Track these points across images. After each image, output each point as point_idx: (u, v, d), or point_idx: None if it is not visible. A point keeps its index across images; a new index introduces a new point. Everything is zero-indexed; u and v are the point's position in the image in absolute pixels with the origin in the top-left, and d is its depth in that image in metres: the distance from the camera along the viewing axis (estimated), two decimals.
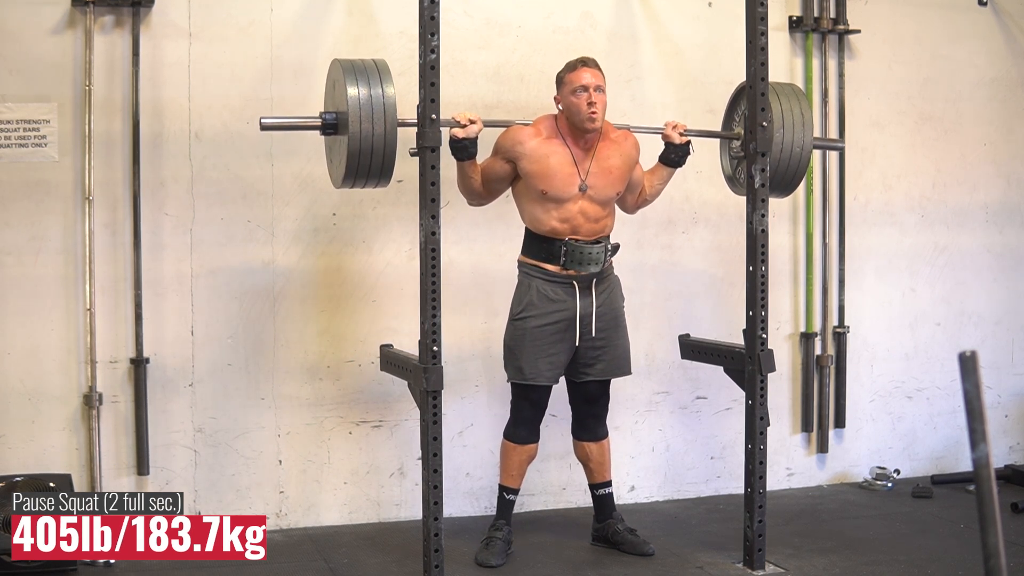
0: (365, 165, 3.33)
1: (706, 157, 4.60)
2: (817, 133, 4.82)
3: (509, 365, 3.84)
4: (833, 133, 4.87)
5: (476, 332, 4.34)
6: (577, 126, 3.72)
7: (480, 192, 3.80)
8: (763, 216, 3.71)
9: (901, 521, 4.39)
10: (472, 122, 3.60)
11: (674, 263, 4.69)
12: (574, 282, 3.78)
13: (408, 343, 3.75)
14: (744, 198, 3.85)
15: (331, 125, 3.42)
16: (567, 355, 3.81)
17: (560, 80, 3.78)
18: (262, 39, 4.15)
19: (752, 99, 3.70)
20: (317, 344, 4.27)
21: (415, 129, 3.34)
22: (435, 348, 3.33)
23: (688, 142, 3.91)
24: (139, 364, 4.02)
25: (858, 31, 4.86)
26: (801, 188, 4.83)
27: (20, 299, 3.95)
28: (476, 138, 3.63)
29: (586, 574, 3.75)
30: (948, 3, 5.05)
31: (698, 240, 4.70)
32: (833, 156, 4.87)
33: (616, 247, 3.88)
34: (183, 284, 4.11)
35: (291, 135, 4.16)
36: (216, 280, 4.14)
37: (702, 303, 4.73)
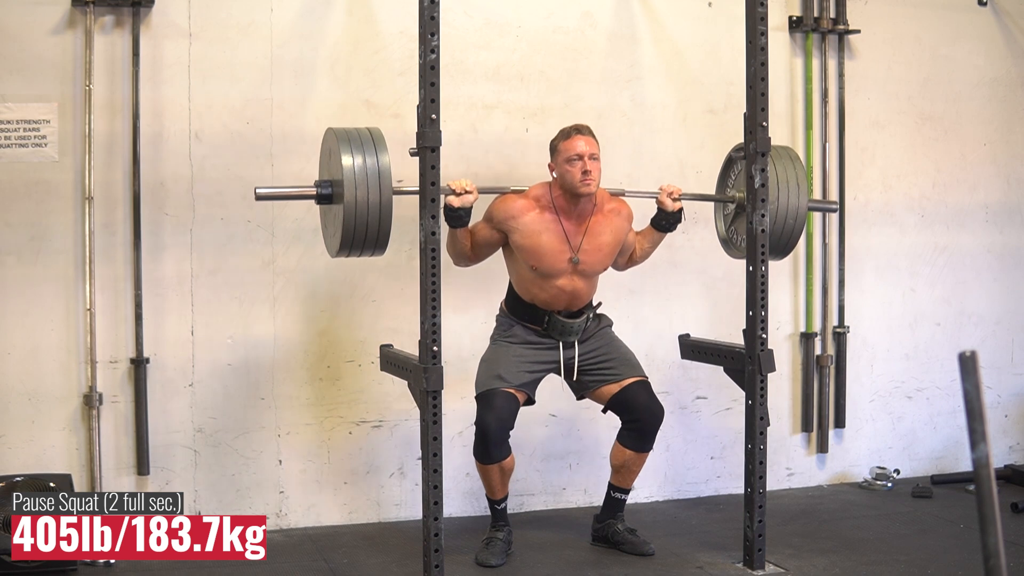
0: (361, 234, 3.31)
1: (707, 158, 4.61)
2: (816, 134, 4.84)
3: (485, 376, 3.81)
4: (833, 133, 4.87)
5: (476, 332, 4.33)
6: (571, 192, 3.72)
7: (469, 256, 3.81)
8: (763, 216, 3.71)
9: (901, 521, 4.39)
10: (467, 191, 3.57)
11: (674, 263, 4.68)
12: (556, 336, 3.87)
13: (408, 343, 3.75)
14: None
15: (326, 196, 3.42)
16: (542, 376, 3.87)
17: (554, 148, 3.78)
18: (262, 39, 4.15)
19: (752, 99, 3.70)
20: (317, 344, 4.27)
21: (413, 197, 3.35)
22: (435, 348, 3.33)
23: (680, 209, 3.91)
24: (139, 364, 4.03)
25: (858, 31, 4.86)
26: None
27: (20, 299, 3.95)
28: (471, 207, 3.61)
29: (586, 574, 3.75)
30: (948, 3, 5.05)
31: (698, 240, 4.70)
32: (833, 155, 4.87)
33: (598, 306, 3.93)
34: (183, 284, 4.11)
35: (290, 134, 4.18)
36: (216, 280, 4.14)
37: (702, 303, 4.73)
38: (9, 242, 3.95)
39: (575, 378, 3.89)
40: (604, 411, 3.95)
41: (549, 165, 3.80)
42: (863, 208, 4.97)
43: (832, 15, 4.83)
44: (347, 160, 3.29)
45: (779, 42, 4.74)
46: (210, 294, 4.14)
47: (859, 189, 4.96)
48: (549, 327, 3.82)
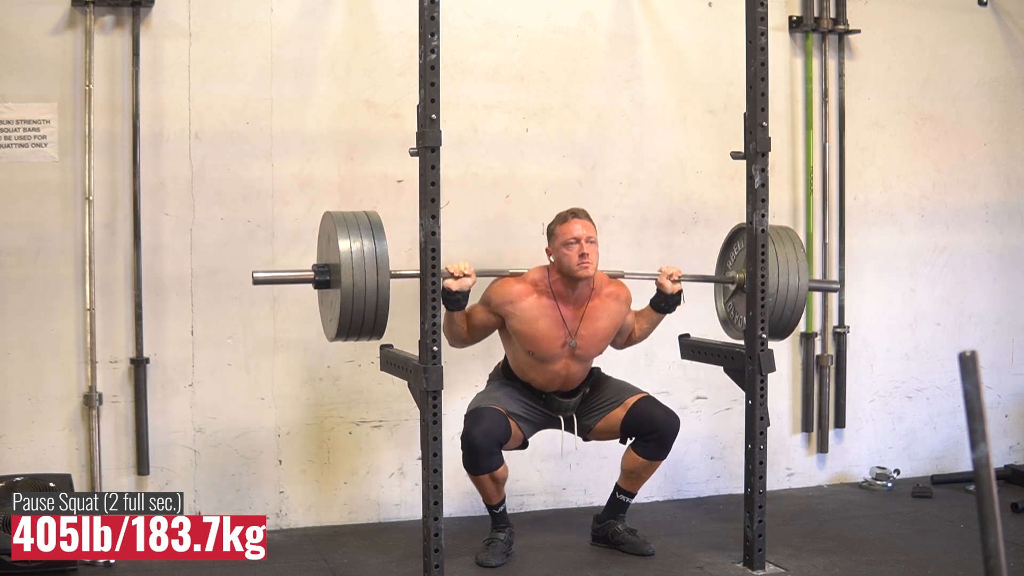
0: (358, 320, 3.30)
1: (707, 156, 4.61)
2: (816, 134, 4.84)
3: (479, 399, 3.82)
4: (833, 133, 4.87)
5: None
6: (569, 275, 3.71)
7: (465, 338, 3.81)
8: (763, 216, 3.71)
9: (901, 521, 4.39)
10: (466, 275, 3.54)
11: (674, 263, 4.67)
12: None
13: (408, 343, 3.75)
14: (744, 199, 3.85)
15: (324, 281, 3.41)
16: (538, 423, 3.87)
17: (551, 232, 3.77)
18: (262, 39, 4.15)
19: (752, 99, 3.70)
20: (317, 344, 4.26)
21: (415, 280, 3.34)
22: (435, 348, 3.33)
23: (680, 291, 3.90)
24: (139, 364, 4.03)
25: (858, 31, 4.86)
26: (801, 187, 4.84)
27: (20, 299, 3.95)
28: (468, 291, 3.58)
29: (586, 574, 3.75)
30: (948, 3, 5.05)
31: (698, 240, 4.69)
32: (833, 155, 4.87)
33: (595, 371, 3.95)
34: (183, 284, 4.11)
35: (290, 134, 4.18)
36: (216, 280, 4.14)
37: (702, 303, 4.72)
38: (9, 242, 3.95)
39: (576, 424, 3.91)
40: (622, 441, 3.91)
41: (547, 250, 3.80)
42: (863, 208, 4.97)
43: (832, 15, 4.83)
44: (344, 245, 3.27)
45: (779, 42, 4.74)
46: (210, 294, 4.14)
47: (859, 189, 4.95)
48: (544, 404, 3.86)
